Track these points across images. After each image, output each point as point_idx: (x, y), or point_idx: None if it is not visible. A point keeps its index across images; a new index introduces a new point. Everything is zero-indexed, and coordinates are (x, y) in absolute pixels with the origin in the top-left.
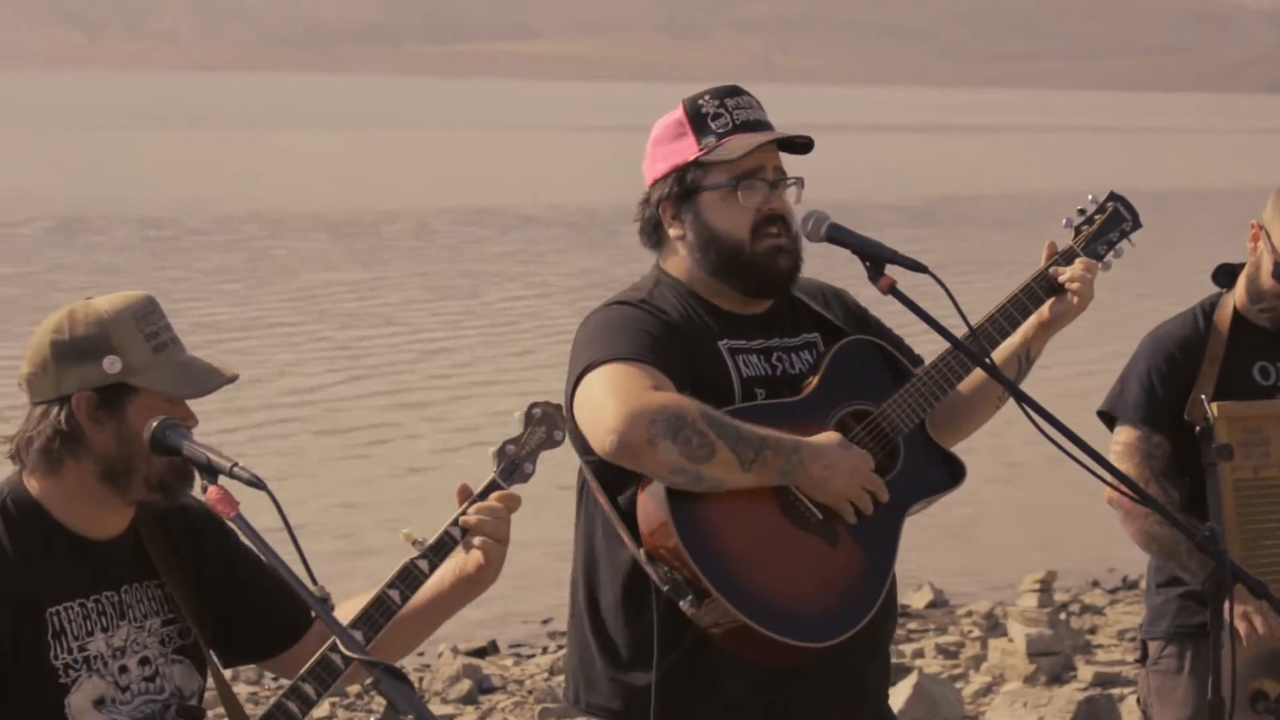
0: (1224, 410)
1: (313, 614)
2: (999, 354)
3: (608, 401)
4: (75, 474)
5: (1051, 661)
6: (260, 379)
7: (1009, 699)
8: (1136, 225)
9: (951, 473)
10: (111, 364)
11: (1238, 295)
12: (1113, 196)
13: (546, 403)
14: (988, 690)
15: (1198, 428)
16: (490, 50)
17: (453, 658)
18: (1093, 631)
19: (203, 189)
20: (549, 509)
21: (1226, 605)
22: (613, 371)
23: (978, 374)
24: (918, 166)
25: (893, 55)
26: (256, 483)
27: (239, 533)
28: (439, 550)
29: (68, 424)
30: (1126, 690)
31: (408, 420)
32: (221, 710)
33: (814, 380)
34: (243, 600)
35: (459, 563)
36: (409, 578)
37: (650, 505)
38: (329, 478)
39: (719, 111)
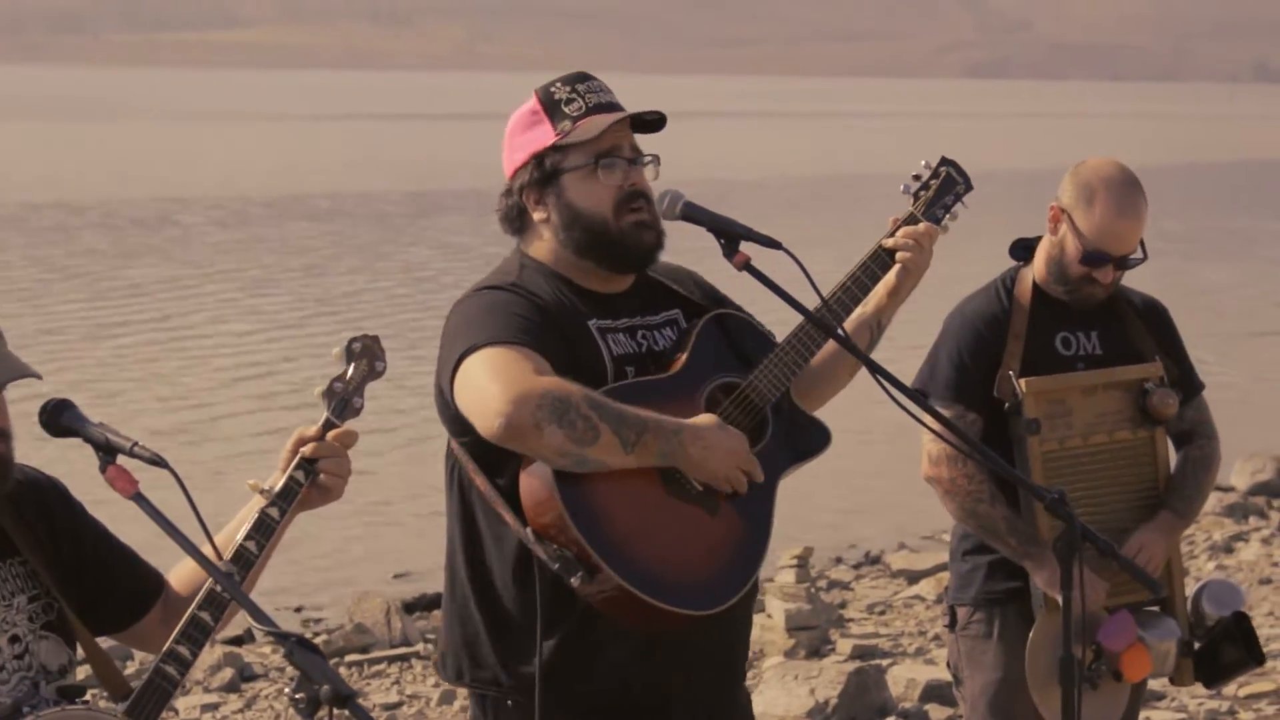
0: (1032, 386)
1: (222, 590)
2: (851, 323)
3: (491, 385)
4: None
5: (810, 636)
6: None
7: (779, 672)
8: (969, 187)
9: (818, 437)
10: None
11: (1036, 269)
12: (944, 161)
13: (364, 335)
14: (749, 665)
15: (1006, 404)
16: (192, 39)
17: (210, 646)
18: (843, 606)
19: None
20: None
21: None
22: (494, 355)
23: (831, 344)
24: None
25: (600, 42)
26: (158, 461)
27: (141, 509)
28: (286, 496)
29: None
30: (885, 662)
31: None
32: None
33: (682, 356)
34: (94, 573)
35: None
36: (263, 527)
37: (536, 485)
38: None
39: (571, 96)
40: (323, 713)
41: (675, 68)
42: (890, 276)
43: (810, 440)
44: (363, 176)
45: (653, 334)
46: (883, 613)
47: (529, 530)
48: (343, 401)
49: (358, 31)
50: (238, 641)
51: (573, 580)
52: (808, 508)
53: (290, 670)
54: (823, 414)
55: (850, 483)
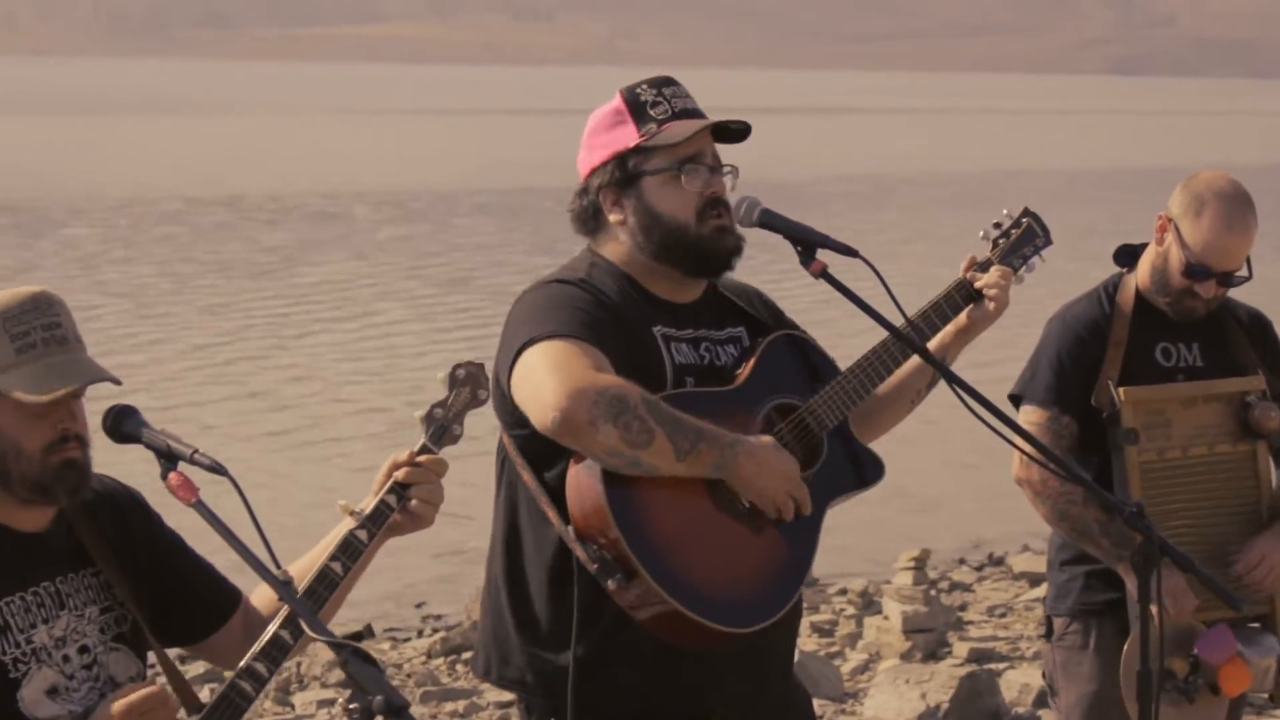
0: (1130, 395)
1: (277, 598)
2: (917, 359)
3: (549, 379)
4: None
5: (927, 638)
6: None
7: (891, 675)
8: (1048, 241)
9: (871, 470)
10: None
11: (1140, 277)
12: (1027, 212)
13: (470, 363)
14: (865, 667)
15: (1105, 413)
16: (334, 34)
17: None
18: (963, 608)
19: (46, 175)
20: None
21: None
22: (554, 348)
23: (894, 375)
24: (771, 149)
25: (739, 38)
26: (217, 468)
27: (202, 517)
28: (376, 520)
29: None
30: (1001, 665)
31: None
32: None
33: (745, 371)
34: (169, 585)
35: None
36: (349, 549)
37: (584, 484)
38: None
39: (657, 99)
40: None
41: (815, 63)
42: (962, 316)
43: (863, 472)
44: (517, 172)
45: (716, 349)
46: (1003, 615)
47: (570, 529)
48: (441, 428)
49: (499, 26)
50: (356, 637)
51: (609, 583)
52: (932, 507)
53: (407, 667)
54: (951, 408)
55: (976, 483)
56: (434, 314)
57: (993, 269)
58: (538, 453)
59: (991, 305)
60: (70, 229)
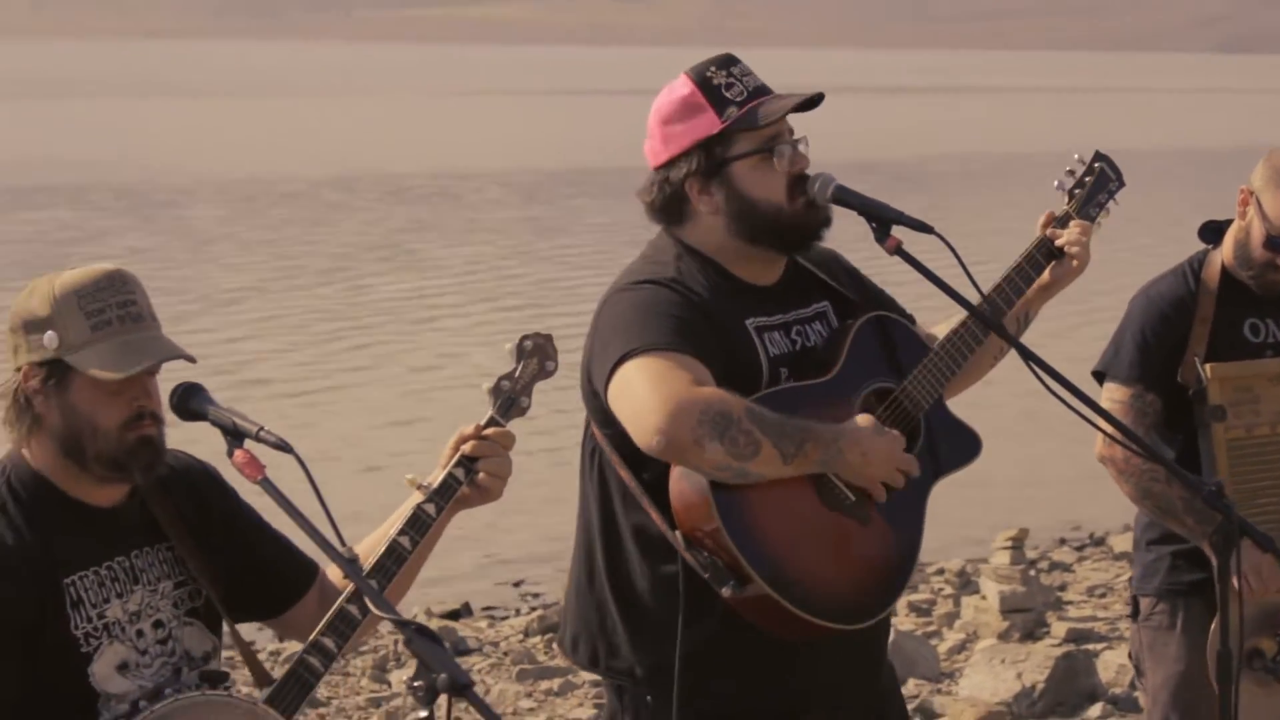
0: (1217, 372)
1: (344, 575)
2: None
3: (651, 398)
4: (44, 446)
5: (1025, 618)
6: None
7: (987, 655)
8: (1121, 184)
9: (969, 445)
10: (50, 340)
11: (1225, 253)
12: (1098, 156)
13: (537, 334)
14: (962, 647)
15: (1191, 390)
16: (439, 15)
17: (426, 621)
18: (1063, 588)
19: (161, 157)
20: (522, 472)
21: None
22: (652, 364)
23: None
24: (876, 128)
25: (842, 17)
26: (283, 446)
27: (267, 494)
28: (444, 493)
29: (21, 396)
30: (1099, 646)
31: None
32: (246, 670)
33: (838, 361)
34: (244, 560)
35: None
36: (417, 523)
37: (689, 491)
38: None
39: (730, 81)
40: (441, 700)
41: (916, 42)
42: (1045, 274)
43: (962, 448)
44: (627, 152)
45: (805, 329)
46: (1103, 595)
47: (678, 535)
48: (509, 400)
49: (600, 7)
50: (453, 616)
51: (724, 590)
52: (1033, 487)
53: (504, 645)
54: (1038, 394)
55: (1076, 462)
56: (552, 297)
57: (1072, 225)
58: (633, 450)
59: (1074, 263)
60: (187, 211)
